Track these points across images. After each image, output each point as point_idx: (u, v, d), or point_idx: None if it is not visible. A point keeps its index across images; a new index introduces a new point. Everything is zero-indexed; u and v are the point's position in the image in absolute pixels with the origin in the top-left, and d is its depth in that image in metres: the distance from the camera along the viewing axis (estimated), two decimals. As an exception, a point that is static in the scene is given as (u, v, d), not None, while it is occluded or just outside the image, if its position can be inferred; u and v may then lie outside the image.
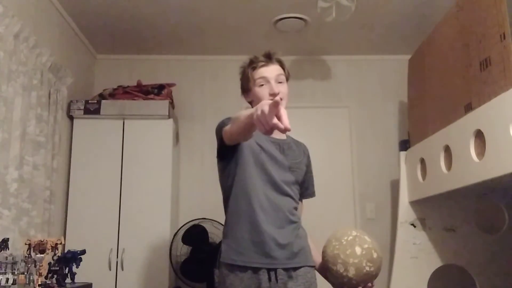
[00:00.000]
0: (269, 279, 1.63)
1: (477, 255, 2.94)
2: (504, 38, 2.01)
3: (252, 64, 1.79)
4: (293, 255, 1.69)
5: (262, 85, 1.75)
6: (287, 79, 1.83)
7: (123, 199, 3.19)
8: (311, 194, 1.94)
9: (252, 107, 1.73)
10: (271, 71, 1.76)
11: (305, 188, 1.91)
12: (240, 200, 1.71)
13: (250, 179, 1.71)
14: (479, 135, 2.18)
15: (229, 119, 1.65)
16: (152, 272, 3.10)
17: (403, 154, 3.20)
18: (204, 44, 3.72)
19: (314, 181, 1.96)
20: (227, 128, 1.57)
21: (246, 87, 1.82)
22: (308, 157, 1.92)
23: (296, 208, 1.80)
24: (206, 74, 3.91)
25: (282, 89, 1.77)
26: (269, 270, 1.64)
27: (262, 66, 1.77)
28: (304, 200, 1.95)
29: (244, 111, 1.43)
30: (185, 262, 3.08)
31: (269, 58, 1.79)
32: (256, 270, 1.64)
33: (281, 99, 1.71)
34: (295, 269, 1.69)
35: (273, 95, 1.73)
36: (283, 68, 1.81)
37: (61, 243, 2.20)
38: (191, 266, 3.07)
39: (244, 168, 1.72)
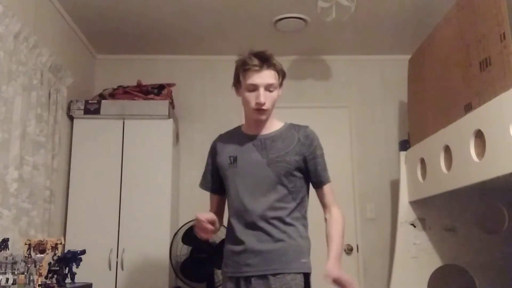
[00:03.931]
0: (246, 286, 1.71)
1: (477, 255, 2.94)
2: (504, 38, 2.01)
3: (245, 66, 1.73)
4: (270, 261, 1.70)
5: (251, 90, 1.74)
6: (281, 83, 1.80)
7: (123, 199, 3.19)
8: (324, 181, 1.83)
9: (242, 104, 1.84)
10: (263, 78, 1.71)
11: (317, 177, 1.83)
12: (227, 217, 1.87)
13: (228, 196, 1.85)
14: (479, 135, 2.18)
15: (201, 178, 1.96)
16: (152, 272, 3.10)
17: (403, 154, 3.20)
18: (204, 44, 3.72)
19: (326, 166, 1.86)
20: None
21: (237, 86, 1.82)
22: (306, 144, 1.81)
23: (281, 202, 1.76)
24: (206, 74, 3.91)
25: (270, 97, 1.75)
26: (245, 278, 1.71)
27: (255, 71, 1.71)
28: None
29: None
30: (185, 262, 3.09)
31: (263, 62, 1.71)
32: (237, 279, 1.74)
33: (264, 109, 1.75)
34: (274, 275, 1.68)
35: (259, 104, 1.73)
36: (278, 73, 1.76)
37: (61, 243, 2.20)
38: (191, 266, 3.07)
39: (224, 187, 1.88)
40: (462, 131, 2.34)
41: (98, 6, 3.10)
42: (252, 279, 1.69)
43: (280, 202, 1.76)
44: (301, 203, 1.83)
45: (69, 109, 3.25)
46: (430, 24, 3.01)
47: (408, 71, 3.28)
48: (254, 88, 1.73)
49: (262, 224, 1.73)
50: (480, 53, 2.23)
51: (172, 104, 3.48)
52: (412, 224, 3.04)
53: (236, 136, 1.89)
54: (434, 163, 2.66)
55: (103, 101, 3.32)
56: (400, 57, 3.74)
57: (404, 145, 3.32)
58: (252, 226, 1.74)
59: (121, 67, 3.87)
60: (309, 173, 1.83)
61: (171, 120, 3.35)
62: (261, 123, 1.83)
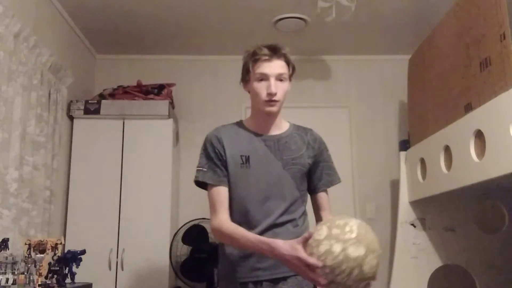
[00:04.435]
0: None
1: (477, 255, 2.94)
2: (504, 38, 2.01)
3: (255, 56, 1.68)
4: (283, 264, 1.58)
5: (261, 80, 1.67)
6: (291, 76, 1.74)
7: (123, 199, 3.19)
8: (327, 184, 1.81)
9: (250, 98, 1.74)
10: (273, 67, 1.66)
11: (318, 180, 1.79)
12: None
13: (234, 196, 1.71)
14: (479, 135, 2.18)
15: (202, 172, 1.75)
16: (152, 272, 3.10)
17: (403, 154, 3.20)
18: (204, 44, 3.72)
19: (334, 168, 1.84)
20: (215, 226, 1.66)
21: (245, 78, 1.74)
22: (316, 148, 1.79)
23: (294, 205, 1.72)
24: (206, 74, 3.91)
25: (281, 88, 1.68)
26: (255, 282, 1.64)
27: (265, 60, 1.66)
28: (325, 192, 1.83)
29: (242, 232, 1.57)
30: (185, 262, 3.09)
31: (273, 52, 1.67)
32: (244, 284, 1.65)
33: (276, 101, 1.67)
34: (285, 278, 1.63)
35: (270, 94, 1.65)
36: (288, 64, 1.71)
37: (61, 243, 2.20)
38: (191, 266, 3.07)
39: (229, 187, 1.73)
40: (462, 131, 2.34)
41: (98, 6, 3.10)
42: (264, 283, 1.64)
43: (294, 206, 1.72)
44: (305, 207, 1.80)
45: (69, 109, 3.25)
46: (430, 24, 3.01)
47: (408, 71, 3.28)
48: (264, 77, 1.66)
49: (275, 227, 1.67)
50: (480, 53, 2.23)
51: (172, 104, 3.48)
52: (412, 224, 3.04)
53: (242, 133, 1.76)
54: (434, 163, 2.66)
55: (103, 101, 3.32)
56: (400, 57, 3.74)
57: (404, 145, 3.32)
58: (263, 229, 1.66)
59: (121, 67, 3.87)
60: (314, 176, 1.79)
61: (171, 120, 3.35)
62: (270, 121, 1.75)
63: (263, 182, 1.69)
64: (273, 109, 1.69)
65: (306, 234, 1.40)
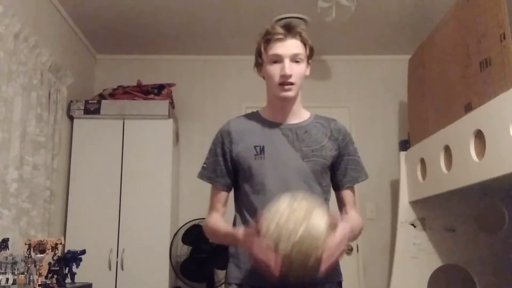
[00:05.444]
0: None
1: (477, 255, 2.94)
2: (504, 38, 2.01)
3: (267, 36, 1.51)
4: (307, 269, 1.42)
5: (275, 62, 1.50)
6: (309, 57, 1.56)
7: (123, 199, 3.19)
8: (353, 180, 1.63)
9: (266, 84, 1.59)
10: (287, 47, 1.49)
11: (342, 175, 1.61)
12: (241, 216, 1.57)
13: (246, 193, 1.56)
14: (479, 135, 2.18)
15: (202, 169, 1.61)
16: (152, 272, 3.10)
17: (403, 154, 3.20)
18: (204, 44, 3.72)
19: (360, 163, 1.68)
20: (204, 224, 1.61)
21: (258, 61, 1.57)
22: (340, 139, 1.60)
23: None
24: (206, 74, 3.91)
25: (297, 70, 1.50)
26: None
27: (278, 40, 1.49)
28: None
29: (218, 225, 1.53)
30: (185, 262, 3.09)
31: (288, 30, 1.49)
32: None
33: (291, 83, 1.50)
34: (311, 285, 1.41)
35: (284, 76, 1.48)
36: (305, 44, 1.53)
37: (61, 243, 2.20)
38: (191, 266, 3.07)
39: (240, 183, 1.59)
40: (462, 131, 2.34)
41: (98, 6, 3.11)
42: None
43: (313, 194, 1.50)
44: (328, 205, 1.61)
45: (69, 109, 3.25)
46: (430, 24, 3.01)
47: (408, 71, 3.28)
48: (278, 59, 1.49)
49: None
50: (480, 53, 2.23)
51: (172, 104, 3.48)
52: (412, 224, 3.04)
53: (257, 123, 1.60)
54: (434, 163, 2.66)
55: (103, 101, 3.32)
56: (400, 57, 3.73)
57: (404, 145, 3.32)
58: None
59: (121, 67, 3.87)
60: (338, 171, 1.61)
61: (171, 120, 3.35)
62: (287, 108, 1.57)
63: (279, 174, 1.51)
64: (289, 93, 1.51)
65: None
